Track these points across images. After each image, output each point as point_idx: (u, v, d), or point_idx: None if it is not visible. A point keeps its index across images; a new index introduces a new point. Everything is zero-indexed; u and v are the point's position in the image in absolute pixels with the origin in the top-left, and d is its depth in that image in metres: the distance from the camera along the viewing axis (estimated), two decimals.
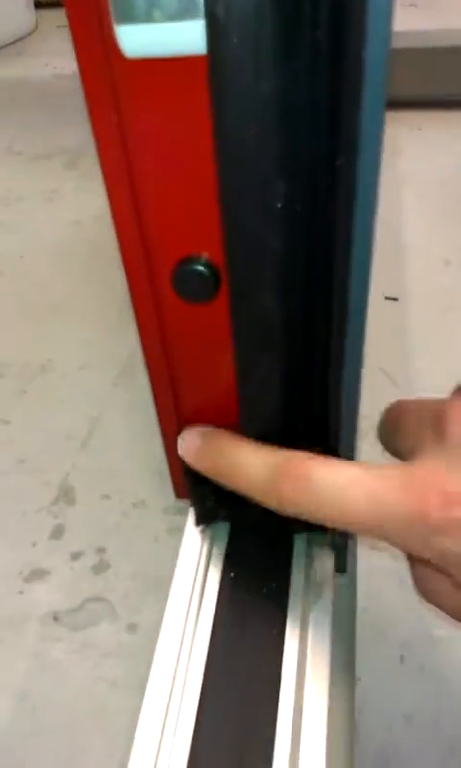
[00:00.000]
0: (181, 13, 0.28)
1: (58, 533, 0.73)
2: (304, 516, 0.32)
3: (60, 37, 2.01)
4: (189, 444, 0.42)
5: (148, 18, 0.28)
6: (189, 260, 0.37)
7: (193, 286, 0.38)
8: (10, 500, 0.77)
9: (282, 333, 0.38)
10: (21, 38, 2.04)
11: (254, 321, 0.38)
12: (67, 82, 1.71)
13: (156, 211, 0.36)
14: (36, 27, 2.11)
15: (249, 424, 0.43)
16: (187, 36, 0.28)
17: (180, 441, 0.43)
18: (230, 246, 0.34)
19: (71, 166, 1.37)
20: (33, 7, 2.14)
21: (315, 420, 0.45)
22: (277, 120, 0.29)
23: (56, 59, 1.84)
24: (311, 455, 0.34)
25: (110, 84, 0.31)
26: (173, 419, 0.47)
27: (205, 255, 0.37)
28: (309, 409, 0.44)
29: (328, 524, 0.31)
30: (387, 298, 0.97)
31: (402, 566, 0.66)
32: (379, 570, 0.64)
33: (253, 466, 0.36)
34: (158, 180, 0.34)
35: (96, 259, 1.12)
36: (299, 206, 0.32)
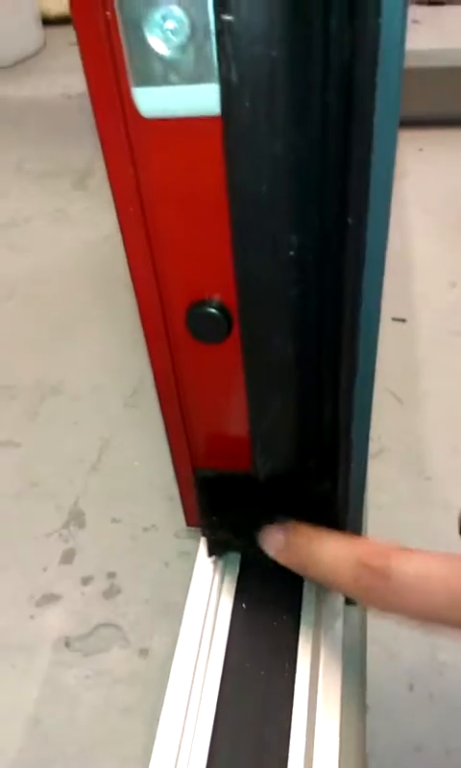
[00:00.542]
0: (197, 77, 0.29)
1: (68, 557, 0.74)
2: (390, 612, 0.32)
3: (67, 55, 2.04)
4: (272, 540, 0.42)
5: (164, 81, 0.29)
6: (202, 303, 0.38)
7: (206, 328, 0.39)
8: (21, 524, 0.78)
9: (294, 373, 0.39)
10: (30, 56, 2.07)
11: (267, 361, 0.39)
12: (75, 100, 1.73)
13: (170, 257, 0.37)
14: (45, 44, 2.14)
15: (261, 461, 0.43)
16: (202, 99, 0.29)
17: (262, 536, 0.43)
18: (244, 292, 0.35)
19: (79, 185, 1.40)
20: (41, 24, 2.17)
21: (326, 452, 0.46)
22: (288, 178, 0.30)
23: (64, 77, 1.87)
24: (393, 546, 0.34)
25: (127, 140, 0.32)
26: (186, 453, 0.48)
27: (217, 298, 0.38)
28: (320, 443, 0.45)
29: (413, 618, 0.32)
30: (394, 319, 0.98)
31: None
32: None
33: (336, 560, 0.36)
34: (173, 229, 0.35)
35: (105, 280, 1.13)
36: (310, 256, 0.34)
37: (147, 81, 0.29)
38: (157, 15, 0.27)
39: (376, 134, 0.27)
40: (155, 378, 0.43)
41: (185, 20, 0.27)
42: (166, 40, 0.28)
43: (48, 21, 2.21)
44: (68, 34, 2.26)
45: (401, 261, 1.09)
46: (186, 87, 0.29)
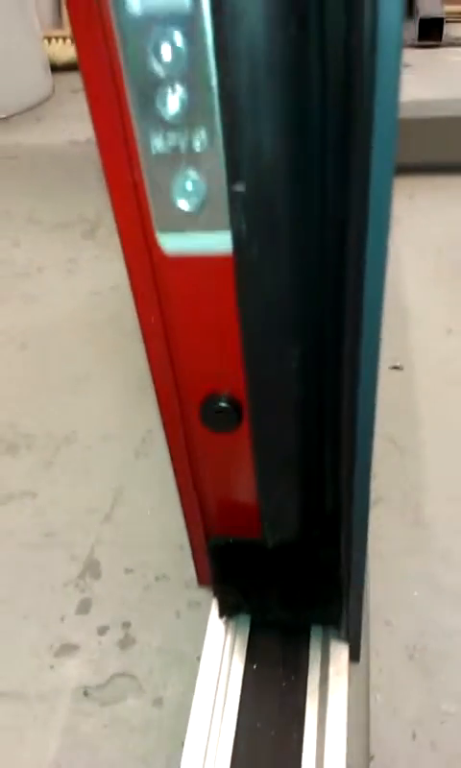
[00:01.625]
0: (212, 226, 0.34)
1: (85, 607, 0.78)
2: None
3: (75, 102, 2.12)
4: None
5: (184, 228, 0.34)
6: (215, 397, 0.43)
7: (218, 420, 0.43)
8: (39, 574, 0.82)
9: (298, 459, 0.44)
10: (39, 103, 2.16)
11: (273, 450, 0.43)
12: (83, 148, 1.80)
13: (186, 359, 0.42)
14: (53, 91, 2.23)
15: (269, 533, 0.48)
16: (217, 243, 0.34)
17: None
18: (253, 394, 0.40)
19: (89, 235, 1.46)
20: (49, 71, 2.27)
21: (329, 522, 0.50)
22: (293, 309, 0.35)
23: (72, 124, 1.95)
24: None
25: (152, 272, 0.37)
26: (199, 523, 0.52)
27: (228, 392, 0.43)
28: (323, 515, 0.50)
29: None
30: (392, 367, 1.03)
31: (410, 644, 0.70)
32: (391, 650, 0.68)
33: None
34: (190, 337, 0.40)
35: (114, 330, 1.18)
36: (311, 365, 0.38)
37: (169, 228, 0.34)
38: (180, 181, 0.32)
39: (368, 274, 0.32)
40: (171, 457, 0.48)
41: (204, 185, 0.32)
42: (188, 199, 0.33)
43: (56, 68, 2.30)
44: (75, 80, 2.35)
45: (397, 308, 1.15)
46: (203, 234, 0.34)
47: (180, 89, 0.29)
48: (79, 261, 1.38)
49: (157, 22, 0.27)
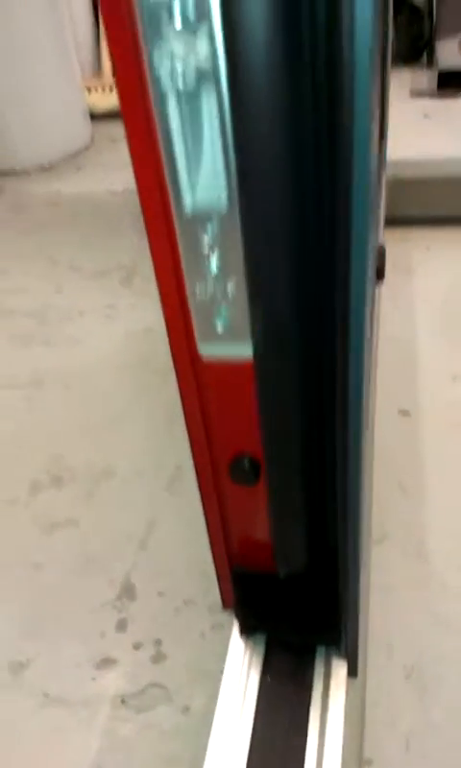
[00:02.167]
0: (238, 340, 0.46)
1: (122, 626, 0.90)
2: None
3: (113, 151, 2.29)
4: None
5: (220, 340, 0.47)
6: (240, 458, 0.55)
7: (241, 476, 0.55)
8: (81, 596, 0.94)
9: (304, 508, 0.55)
10: (79, 151, 2.33)
11: (283, 502, 0.55)
12: (121, 197, 1.96)
13: (218, 429, 0.54)
14: (92, 140, 2.40)
15: (281, 567, 0.59)
16: (242, 352, 0.47)
17: None
18: (268, 459, 0.52)
19: (126, 283, 1.60)
20: (89, 120, 2.44)
21: (331, 556, 0.61)
22: (300, 402, 0.47)
23: (111, 173, 2.11)
24: None
25: (193, 371, 0.49)
26: (224, 555, 0.64)
27: (249, 454, 0.55)
28: (326, 548, 0.61)
29: None
30: (401, 412, 1.14)
31: (408, 665, 0.80)
32: (390, 670, 0.79)
33: None
34: (222, 415, 0.52)
35: (146, 371, 1.31)
36: (314, 439, 0.50)
37: (208, 340, 0.47)
38: (216, 312, 0.45)
39: (351, 373, 0.44)
40: (202, 502, 0.60)
41: (235, 314, 0.44)
42: (222, 323, 0.45)
43: (95, 116, 2.48)
44: (113, 129, 2.52)
45: (407, 354, 1.26)
46: (234, 344, 0.47)
47: (217, 255, 0.41)
48: (116, 307, 1.52)
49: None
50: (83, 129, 2.39)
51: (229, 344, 0.46)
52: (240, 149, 0.36)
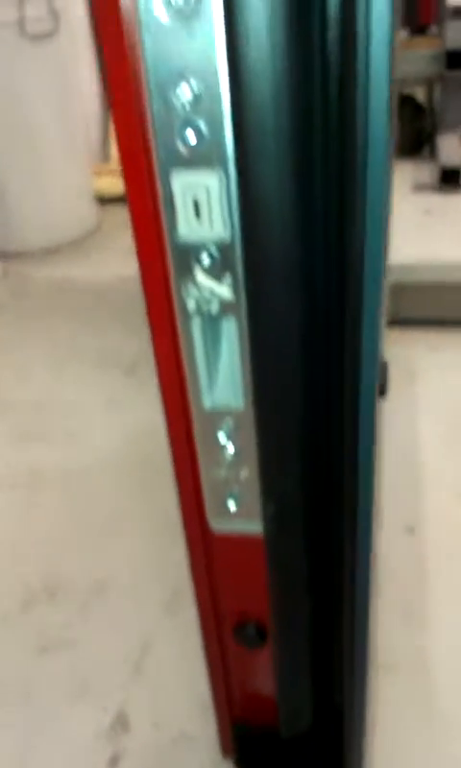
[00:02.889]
0: (250, 517, 0.49)
1: (114, 761, 0.89)
2: None
3: (120, 236, 2.39)
4: None
5: (231, 517, 0.50)
6: (245, 623, 0.57)
7: (247, 641, 0.57)
8: (74, 725, 0.93)
9: (310, 674, 0.57)
10: (87, 236, 2.43)
11: (291, 666, 0.56)
12: (126, 284, 2.04)
13: (226, 594, 0.56)
14: (99, 224, 2.51)
15: (285, 729, 0.60)
16: (256, 528, 0.50)
17: None
18: (275, 625, 0.54)
19: (130, 373, 1.65)
20: (96, 204, 2.56)
21: (334, 716, 0.62)
22: (309, 575, 0.49)
23: (117, 259, 2.20)
24: None
25: (203, 539, 0.52)
26: (226, 707, 0.65)
27: (255, 619, 0.57)
28: (331, 709, 0.62)
29: None
30: (406, 529, 1.16)
31: None
32: None
33: None
34: (230, 582, 0.55)
35: (147, 474, 1.34)
36: (322, 609, 0.52)
37: (218, 518, 0.50)
38: (231, 494, 0.48)
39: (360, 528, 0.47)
40: (207, 662, 0.61)
41: (248, 495, 0.48)
42: (235, 502, 0.48)
43: (102, 201, 2.61)
44: (120, 214, 2.63)
45: (411, 467, 1.29)
46: (244, 522, 0.49)
47: (232, 446, 0.45)
48: (118, 400, 1.56)
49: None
50: (90, 213, 2.51)
51: (240, 521, 0.49)
52: (256, 365, 0.41)
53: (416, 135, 2.68)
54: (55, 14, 2.26)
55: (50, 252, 2.33)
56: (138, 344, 1.73)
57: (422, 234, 2.07)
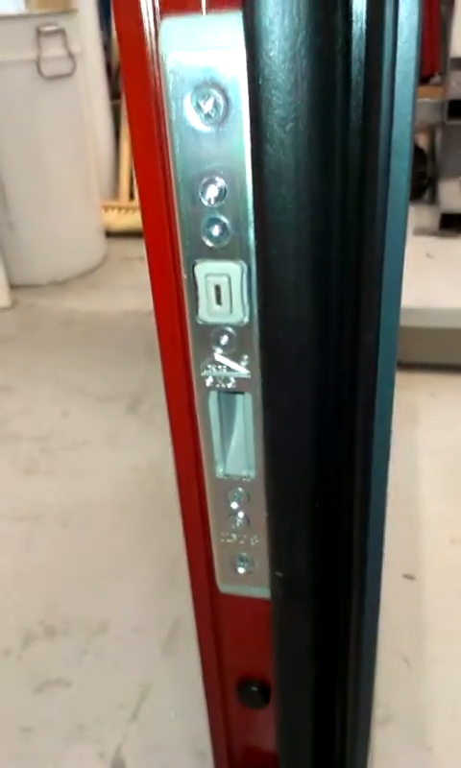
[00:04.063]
0: (259, 583, 0.50)
1: None
2: None
3: (127, 270, 2.43)
4: None
5: (239, 581, 0.50)
6: (248, 683, 0.57)
7: (250, 700, 0.57)
8: None
9: (312, 736, 0.57)
10: (94, 269, 2.47)
11: (294, 729, 0.56)
12: (132, 318, 2.06)
13: (229, 655, 0.56)
14: (107, 257, 2.54)
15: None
16: (264, 593, 0.50)
17: None
18: (278, 685, 0.54)
19: (133, 410, 1.66)
20: (104, 238, 2.60)
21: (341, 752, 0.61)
22: (315, 642, 0.50)
23: (124, 293, 2.23)
24: None
25: (210, 598, 0.53)
26: (226, 764, 0.64)
27: (258, 678, 0.57)
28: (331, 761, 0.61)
29: None
30: (405, 576, 1.15)
31: None
32: None
33: None
34: (235, 641, 0.55)
35: (150, 510, 1.34)
36: (326, 670, 0.52)
37: (226, 581, 0.50)
38: (241, 559, 0.49)
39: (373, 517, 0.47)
40: (209, 719, 0.61)
41: (257, 562, 0.48)
42: (244, 568, 0.49)
43: (110, 234, 2.65)
44: (128, 247, 2.66)
45: (409, 513, 1.29)
46: (252, 587, 0.50)
47: (243, 514, 0.46)
48: (122, 436, 1.57)
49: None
50: (98, 247, 2.54)
51: (248, 585, 0.50)
52: (268, 439, 0.42)
53: (418, 180, 2.73)
54: (71, 56, 2.33)
55: (58, 285, 2.36)
56: (141, 380, 1.74)
57: (422, 277, 2.10)
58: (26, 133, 2.25)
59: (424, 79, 2.93)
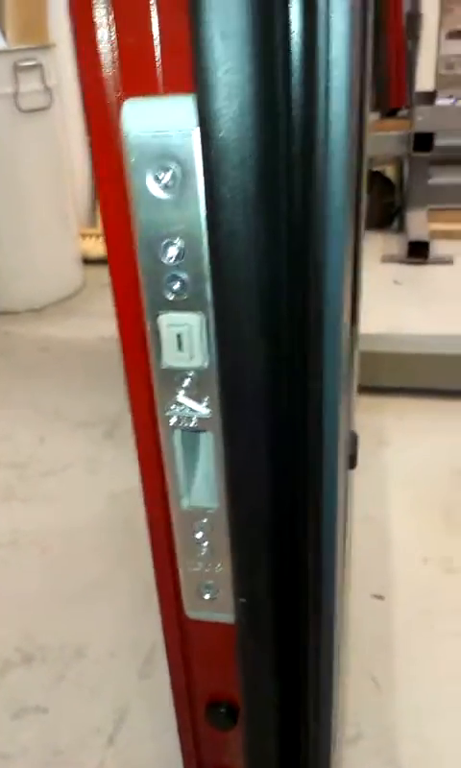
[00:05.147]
0: (227, 606, 0.52)
1: None
2: None
3: (104, 297, 2.45)
4: None
5: (205, 607, 0.53)
6: (217, 703, 0.59)
7: (219, 721, 0.59)
8: None
9: (277, 757, 0.59)
10: (71, 296, 2.49)
11: (261, 749, 0.58)
12: (109, 344, 2.08)
13: (197, 677, 0.58)
14: (84, 284, 2.57)
15: None
16: (230, 618, 0.52)
17: None
18: (244, 704, 0.56)
19: (110, 435, 1.67)
20: (81, 265, 2.63)
21: None
22: (279, 664, 0.52)
23: (100, 320, 2.25)
24: None
25: (178, 623, 0.55)
26: None
27: (227, 700, 0.59)
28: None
29: None
30: (374, 596, 1.18)
31: None
32: None
33: None
34: (203, 664, 0.57)
35: (128, 536, 1.35)
36: (289, 694, 0.55)
37: (193, 608, 0.53)
38: (207, 586, 0.51)
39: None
40: (180, 742, 0.63)
41: (222, 589, 0.51)
42: (209, 594, 0.51)
43: (88, 261, 2.68)
44: (105, 273, 2.71)
45: (380, 533, 1.32)
46: (218, 612, 0.52)
47: (208, 543, 0.49)
48: (99, 461, 1.59)
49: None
50: (75, 274, 2.57)
51: (214, 611, 0.52)
52: (228, 472, 0.45)
53: (385, 209, 2.81)
54: (48, 90, 2.38)
55: (35, 312, 2.38)
56: (118, 405, 1.77)
57: (390, 304, 2.15)
58: (4, 165, 2.29)
59: (391, 112, 3.04)
